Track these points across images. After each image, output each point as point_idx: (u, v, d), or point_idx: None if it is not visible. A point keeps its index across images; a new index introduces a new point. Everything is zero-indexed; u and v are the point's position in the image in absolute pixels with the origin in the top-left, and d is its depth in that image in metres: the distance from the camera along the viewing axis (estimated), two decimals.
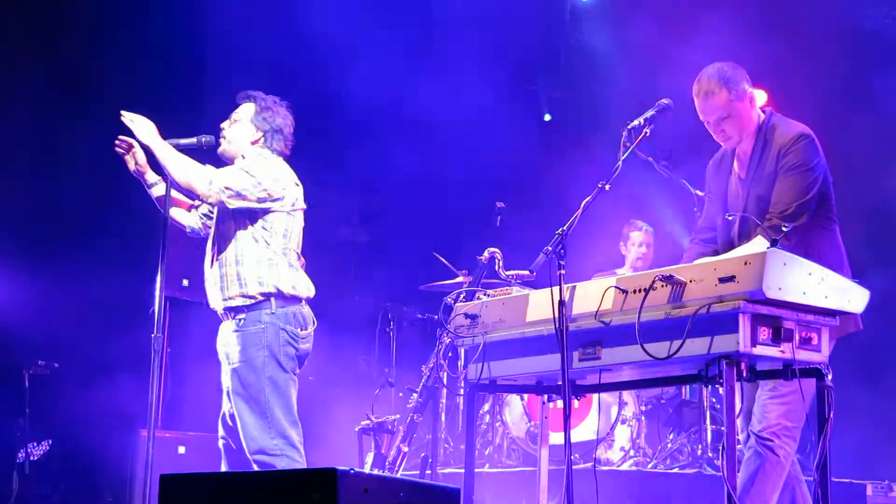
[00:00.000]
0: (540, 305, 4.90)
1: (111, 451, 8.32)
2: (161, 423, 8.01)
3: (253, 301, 5.59)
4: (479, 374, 5.16)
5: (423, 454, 7.81)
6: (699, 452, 7.85)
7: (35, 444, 8.57)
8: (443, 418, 8.23)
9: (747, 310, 4.22)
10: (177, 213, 6.00)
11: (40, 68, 9.23)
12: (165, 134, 5.71)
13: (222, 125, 5.90)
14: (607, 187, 5.00)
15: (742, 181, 5.35)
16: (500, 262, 6.85)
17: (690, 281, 4.37)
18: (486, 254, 7.25)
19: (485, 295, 5.31)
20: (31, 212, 9.38)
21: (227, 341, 5.69)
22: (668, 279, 4.41)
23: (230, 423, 5.72)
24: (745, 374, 4.36)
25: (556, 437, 6.17)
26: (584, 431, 8.00)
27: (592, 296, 4.69)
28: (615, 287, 4.60)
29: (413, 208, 10.28)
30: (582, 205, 4.93)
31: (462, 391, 5.58)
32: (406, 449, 7.45)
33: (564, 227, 4.84)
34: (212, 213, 5.93)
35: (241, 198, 5.56)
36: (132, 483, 7.83)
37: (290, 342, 5.61)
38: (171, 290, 8.16)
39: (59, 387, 8.84)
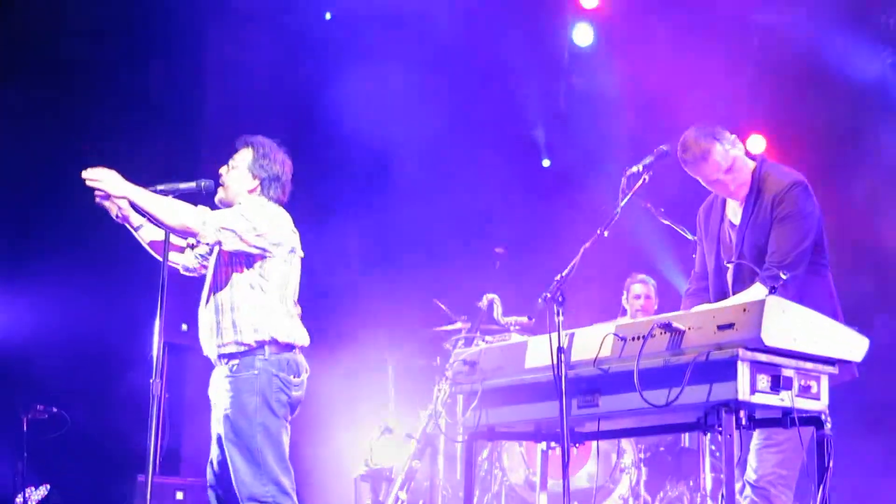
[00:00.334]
0: (539, 352, 4.90)
1: (109, 497, 8.31)
2: (159, 469, 7.97)
3: (247, 348, 5.56)
4: (477, 421, 5.15)
5: (420, 501, 7.77)
6: (698, 501, 7.81)
7: (33, 488, 8.54)
8: (441, 465, 8.19)
9: (746, 357, 4.22)
10: (170, 254, 5.96)
11: (40, 111, 9.28)
12: (164, 178, 5.68)
13: (221, 171, 5.87)
14: (606, 234, 5.01)
15: (736, 228, 5.35)
16: (499, 308, 6.85)
17: (689, 328, 4.37)
18: (484, 300, 7.26)
19: (483, 341, 5.31)
20: (28, 252, 9.39)
21: (219, 387, 5.66)
22: (667, 326, 4.41)
23: (217, 471, 5.69)
24: (744, 423, 4.36)
25: (556, 485, 6.15)
26: (583, 479, 7.97)
27: (591, 343, 4.69)
28: (614, 334, 4.60)
29: (413, 253, 10.28)
30: (581, 251, 4.94)
31: (460, 438, 5.54)
32: (404, 496, 7.42)
33: (563, 273, 4.85)
34: (208, 254, 5.91)
35: (238, 238, 5.52)
36: None
37: (282, 389, 5.58)
38: (170, 335, 8.14)
39: (58, 431, 8.81)
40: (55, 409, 8.77)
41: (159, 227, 5.57)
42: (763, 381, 4.26)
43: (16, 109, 9.12)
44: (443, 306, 8.48)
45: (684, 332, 4.37)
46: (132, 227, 5.86)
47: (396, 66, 10.17)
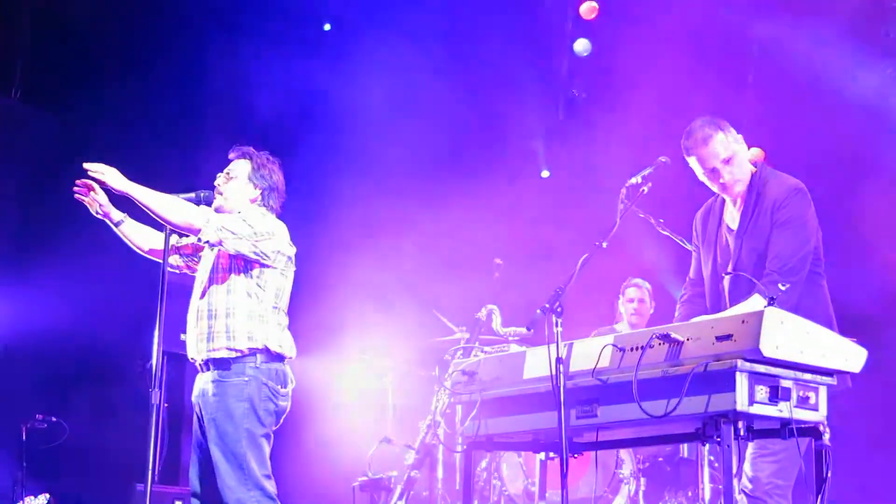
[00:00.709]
0: (537, 363, 4.90)
1: None
2: (158, 478, 7.99)
3: (238, 354, 5.58)
4: (476, 431, 5.16)
5: None
6: None
7: (33, 497, 8.54)
8: (440, 475, 8.19)
9: (744, 368, 4.22)
10: (154, 250, 5.98)
11: (44, 124, 9.32)
12: (163, 189, 5.68)
13: (216, 182, 5.89)
14: (605, 245, 5.02)
15: (734, 233, 5.36)
16: (498, 319, 6.86)
17: (687, 339, 4.38)
18: (483, 310, 7.26)
19: (482, 352, 5.31)
20: (28, 261, 9.41)
21: (205, 391, 5.68)
22: (665, 337, 4.42)
23: (198, 476, 5.72)
24: (742, 433, 4.36)
25: (555, 495, 6.15)
26: (581, 489, 7.97)
27: (590, 353, 4.70)
28: (612, 345, 4.61)
29: (413, 263, 10.29)
30: (580, 262, 4.95)
31: (459, 448, 5.55)
32: None
33: (562, 284, 4.86)
34: (195, 257, 5.95)
35: (238, 240, 5.53)
36: None
37: (270, 398, 5.61)
38: (169, 344, 8.16)
39: (57, 440, 8.82)
40: (54, 419, 8.78)
41: (162, 222, 5.56)
42: (761, 391, 4.26)
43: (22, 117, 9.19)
44: (441, 317, 8.50)
45: (683, 342, 4.38)
46: (112, 222, 5.90)
47: (395, 77, 10.18)
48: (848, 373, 4.57)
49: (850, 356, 4.46)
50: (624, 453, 8.17)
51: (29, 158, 9.66)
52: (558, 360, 4.67)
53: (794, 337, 4.28)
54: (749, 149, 9.37)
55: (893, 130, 9.08)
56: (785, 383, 4.32)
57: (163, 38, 10.05)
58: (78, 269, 9.17)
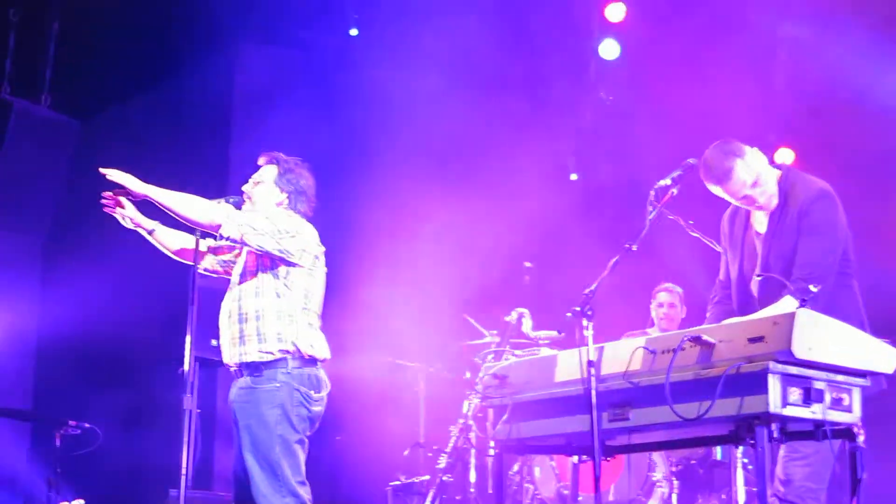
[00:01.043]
0: (568, 366, 4.90)
1: None
2: (192, 483, 8.02)
3: (271, 358, 5.57)
4: (507, 435, 5.16)
5: None
6: None
7: (67, 502, 8.59)
8: (472, 479, 8.20)
9: (777, 370, 4.21)
10: (187, 253, 5.99)
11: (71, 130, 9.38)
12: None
13: (244, 188, 5.91)
14: (634, 248, 5.02)
15: (761, 237, 5.34)
16: (529, 322, 6.86)
17: (719, 341, 4.37)
18: (514, 314, 7.27)
19: (513, 355, 5.32)
20: (59, 269, 9.47)
21: (240, 398, 5.68)
22: (697, 340, 4.41)
23: (240, 483, 5.72)
24: (776, 435, 4.35)
25: (587, 498, 6.15)
26: (615, 492, 7.96)
27: (621, 356, 4.70)
28: (644, 347, 4.60)
29: (442, 267, 10.30)
30: (609, 265, 4.95)
31: (491, 452, 5.55)
32: None
33: (592, 287, 4.85)
34: (232, 261, 5.95)
35: (260, 235, 5.52)
36: None
37: (303, 403, 5.59)
38: (201, 350, 8.20)
39: (90, 446, 8.87)
40: (87, 425, 8.83)
41: (184, 222, 5.57)
42: (794, 393, 4.25)
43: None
44: (472, 321, 8.50)
45: (714, 345, 4.37)
46: (145, 230, 5.93)
47: (425, 82, 10.20)
48: (882, 374, 4.55)
49: (883, 357, 4.44)
50: (656, 456, 8.16)
51: (58, 163, 9.71)
52: (589, 363, 4.67)
53: (826, 338, 4.26)
54: (778, 149, 9.36)
55: None
56: (818, 385, 4.30)
57: (189, 46, 10.11)
58: (111, 274, 9.24)
